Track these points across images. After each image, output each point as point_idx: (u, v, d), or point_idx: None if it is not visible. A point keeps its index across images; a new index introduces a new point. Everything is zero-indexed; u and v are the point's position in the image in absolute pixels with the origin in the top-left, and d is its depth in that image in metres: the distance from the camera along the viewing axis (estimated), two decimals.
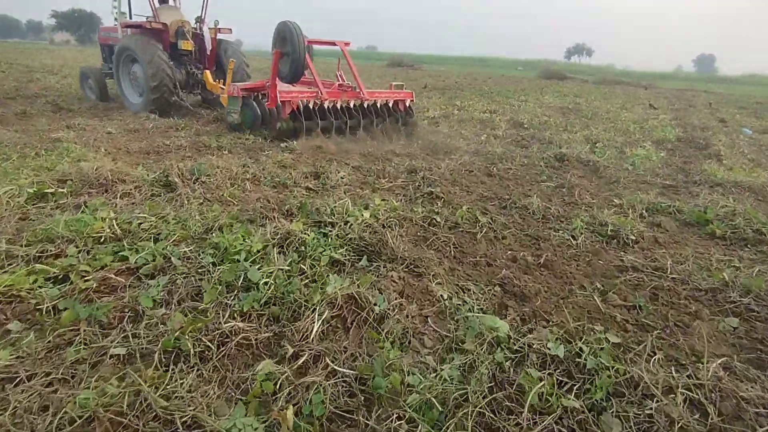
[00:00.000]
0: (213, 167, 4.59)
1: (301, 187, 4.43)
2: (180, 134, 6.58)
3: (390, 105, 7.24)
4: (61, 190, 3.80)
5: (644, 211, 4.19)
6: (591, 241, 3.43)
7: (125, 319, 2.14)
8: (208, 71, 8.20)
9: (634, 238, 3.46)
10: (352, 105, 6.83)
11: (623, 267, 3.06)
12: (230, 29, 8.80)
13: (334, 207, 3.55)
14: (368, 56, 71.32)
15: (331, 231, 3.20)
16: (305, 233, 3.05)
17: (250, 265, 2.58)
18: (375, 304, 2.32)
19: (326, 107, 6.52)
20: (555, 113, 11.34)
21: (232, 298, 2.36)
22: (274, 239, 2.97)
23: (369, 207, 3.74)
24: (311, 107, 6.41)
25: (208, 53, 8.60)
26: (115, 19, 8.88)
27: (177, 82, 7.99)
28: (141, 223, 3.09)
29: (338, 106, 6.67)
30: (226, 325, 2.08)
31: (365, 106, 6.93)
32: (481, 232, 3.43)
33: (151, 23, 8.00)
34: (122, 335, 2.02)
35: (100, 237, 2.89)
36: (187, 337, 1.96)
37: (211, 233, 3.11)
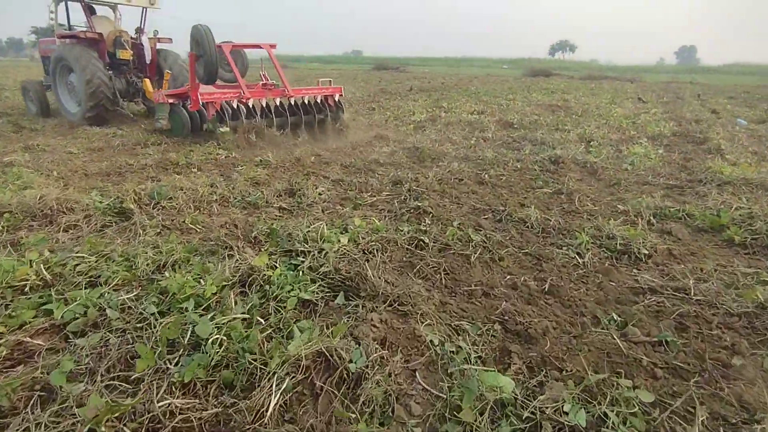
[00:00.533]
0: (176, 189, 4.14)
1: (273, 207, 4.00)
2: (148, 151, 6.12)
3: (319, 101, 7.35)
4: None
5: (652, 218, 3.81)
6: (599, 258, 3.03)
7: (32, 402, 1.69)
8: (147, 80, 8.23)
9: (646, 252, 3.07)
10: (278, 103, 6.95)
11: (639, 289, 2.66)
12: (170, 39, 8.90)
13: (308, 232, 3.12)
14: (354, 61, 70.97)
15: (303, 262, 2.77)
16: (270, 268, 2.62)
17: (201, 315, 2.15)
18: (350, 361, 1.89)
19: (251, 106, 6.65)
20: (544, 111, 11.01)
21: (175, 360, 1.92)
22: (233, 278, 2.54)
23: (348, 229, 3.31)
24: (235, 107, 6.50)
25: (148, 62, 8.68)
26: (52, 30, 8.67)
27: (117, 91, 8.13)
28: (77, 265, 2.64)
29: (263, 104, 6.81)
30: (160, 404, 1.65)
31: (293, 103, 7.06)
32: (476, 254, 3.02)
33: (86, 33, 7.94)
34: (24, 427, 1.58)
35: (25, 286, 2.43)
36: (103, 429, 1.52)
37: (163, 272, 2.67)
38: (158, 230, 3.41)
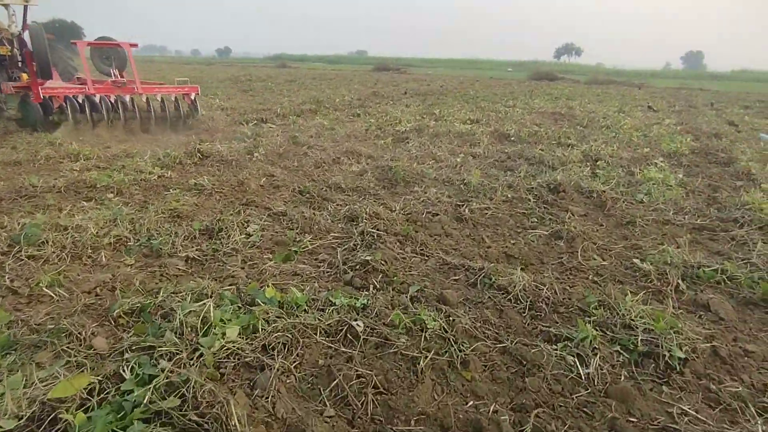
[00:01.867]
0: (58, 228, 3.19)
1: (180, 256, 3.04)
2: (74, 167, 5.17)
3: (173, 99, 7.68)
4: None
5: (681, 282, 2.83)
6: (611, 366, 2.05)
7: None
8: (25, 74, 8.16)
9: (682, 355, 2.09)
10: (128, 99, 7.24)
11: None
12: (52, 34, 8.87)
13: (188, 313, 2.16)
14: (357, 61, 69.93)
15: (163, 369, 1.81)
16: (82, 400, 1.65)
17: None
18: None
19: (98, 101, 6.93)
20: (546, 120, 10.02)
21: None
22: (19, 420, 1.57)
23: (257, 302, 2.35)
24: (81, 101, 6.78)
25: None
26: None
27: None
28: None
29: (112, 100, 7.05)
30: None
31: (144, 100, 7.41)
32: (428, 356, 2.05)
33: None
34: None
35: None
36: None
37: None
38: None
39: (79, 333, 2.10)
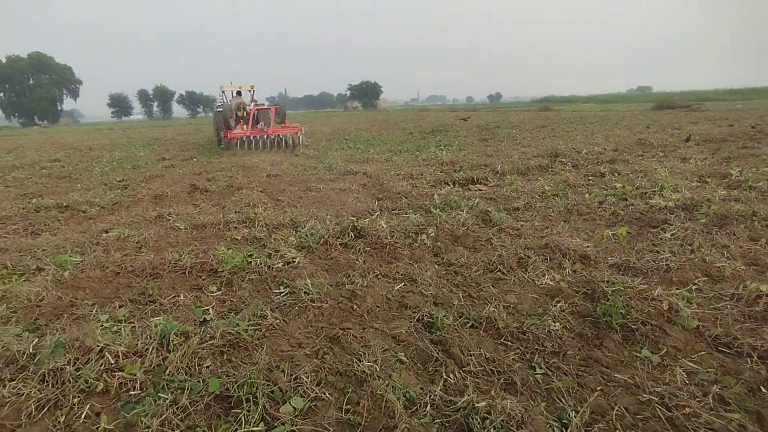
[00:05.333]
0: (80, 350, 2.52)
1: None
2: (238, 234, 4.94)
3: (288, 136, 13.91)
4: None
5: None
6: None
7: None
8: (245, 127, 15.19)
9: None
10: (266, 137, 13.71)
11: None
12: (263, 104, 16.83)
13: None
14: (636, 99, 60.87)
15: None
16: None
17: None
18: None
19: (251, 139, 13.71)
20: None
21: None
22: None
23: None
24: (244, 139, 13.65)
25: (251, 118, 15.29)
26: (221, 105, 16.42)
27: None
28: None
29: (258, 138, 13.74)
30: None
31: (273, 137, 13.79)
32: None
33: (218, 106, 16.00)
34: None
35: None
36: None
37: None
38: None
39: None
